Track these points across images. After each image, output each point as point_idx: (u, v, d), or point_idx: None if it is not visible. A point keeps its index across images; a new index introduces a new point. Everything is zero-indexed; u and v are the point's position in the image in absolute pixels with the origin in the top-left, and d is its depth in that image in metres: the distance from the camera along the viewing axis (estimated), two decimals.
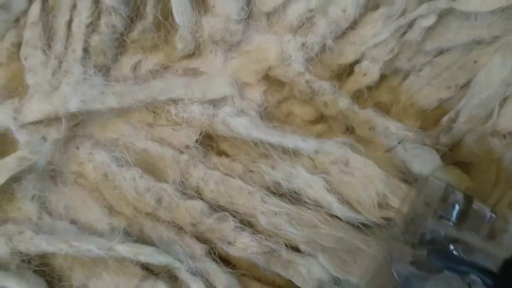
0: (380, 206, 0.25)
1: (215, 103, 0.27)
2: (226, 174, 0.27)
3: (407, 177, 0.26)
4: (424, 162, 0.26)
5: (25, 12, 0.30)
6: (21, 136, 0.26)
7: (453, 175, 0.26)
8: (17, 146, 0.26)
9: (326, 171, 0.26)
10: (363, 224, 0.26)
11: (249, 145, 0.27)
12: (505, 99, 0.26)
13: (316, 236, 0.26)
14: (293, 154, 0.27)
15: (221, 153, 0.28)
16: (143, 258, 0.24)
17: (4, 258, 0.24)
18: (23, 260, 0.24)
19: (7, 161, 0.25)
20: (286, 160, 0.26)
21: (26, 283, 0.24)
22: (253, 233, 0.26)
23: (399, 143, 0.26)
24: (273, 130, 0.27)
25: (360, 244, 0.26)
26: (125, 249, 0.24)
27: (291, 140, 0.26)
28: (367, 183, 0.26)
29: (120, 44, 0.29)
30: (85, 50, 0.28)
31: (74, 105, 0.26)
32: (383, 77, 0.29)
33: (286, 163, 0.26)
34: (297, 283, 0.26)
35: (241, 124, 0.27)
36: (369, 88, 0.29)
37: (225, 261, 0.27)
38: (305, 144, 0.27)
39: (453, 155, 0.27)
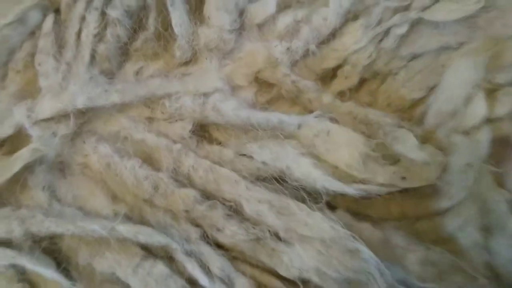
0: (364, 163, 0.28)
1: (206, 95, 0.30)
2: (215, 163, 0.29)
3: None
4: (402, 142, 0.28)
5: (40, 26, 0.33)
6: (34, 132, 0.29)
7: (427, 152, 0.28)
8: (30, 142, 0.29)
9: (312, 144, 0.29)
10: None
11: (240, 129, 0.30)
12: (468, 99, 0.28)
13: (294, 224, 0.28)
14: (281, 135, 0.29)
15: (213, 141, 0.31)
16: (142, 238, 0.27)
17: (17, 239, 0.27)
18: (34, 241, 0.27)
19: (22, 152, 0.28)
20: (275, 141, 0.29)
21: (37, 261, 0.26)
22: (241, 221, 0.29)
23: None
24: (260, 110, 0.30)
25: (333, 234, 0.27)
26: (126, 229, 0.26)
27: (276, 116, 0.29)
28: (349, 146, 0.28)
29: (124, 52, 0.33)
30: (92, 57, 0.31)
31: (81, 102, 0.29)
32: (363, 81, 0.32)
33: (274, 143, 0.29)
34: (280, 271, 0.28)
35: (230, 107, 0.29)
36: (351, 90, 0.32)
37: (218, 245, 0.29)
38: (289, 118, 0.29)
39: None
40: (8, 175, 0.28)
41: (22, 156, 0.28)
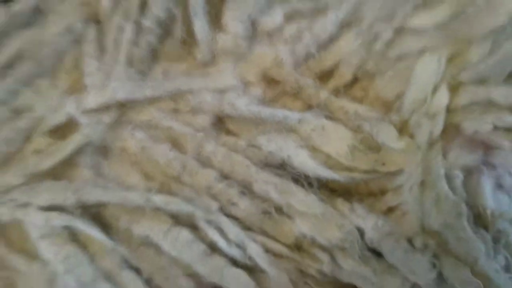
0: (352, 153, 0.34)
1: (223, 92, 0.36)
2: (231, 150, 0.35)
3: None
4: (384, 134, 0.34)
5: (84, 34, 0.38)
6: (82, 120, 0.34)
7: (404, 142, 0.33)
8: (78, 129, 0.35)
9: (309, 137, 0.34)
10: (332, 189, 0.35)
11: (251, 122, 0.35)
12: (435, 87, 0.33)
13: (293, 202, 0.34)
14: (284, 128, 0.35)
15: (229, 132, 0.36)
16: (172, 207, 0.32)
17: (71, 207, 0.32)
18: (84, 209, 0.32)
19: (73, 137, 0.34)
20: (279, 134, 0.35)
21: (87, 225, 0.32)
22: (252, 198, 0.34)
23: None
24: (267, 106, 0.35)
25: (324, 211, 0.33)
26: (159, 199, 0.32)
27: (281, 112, 0.35)
28: (340, 140, 0.34)
29: (154, 56, 0.38)
30: (129, 60, 0.37)
31: (120, 96, 0.35)
32: (356, 79, 0.37)
33: (279, 136, 0.34)
34: (282, 239, 0.34)
35: (243, 103, 0.35)
36: (345, 86, 0.37)
37: (233, 216, 0.35)
38: (291, 114, 0.35)
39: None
40: (62, 156, 0.33)
41: (74, 140, 0.34)
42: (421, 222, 0.31)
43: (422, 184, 0.32)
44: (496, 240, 0.30)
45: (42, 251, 0.31)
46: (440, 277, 0.30)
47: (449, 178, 0.31)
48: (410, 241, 0.32)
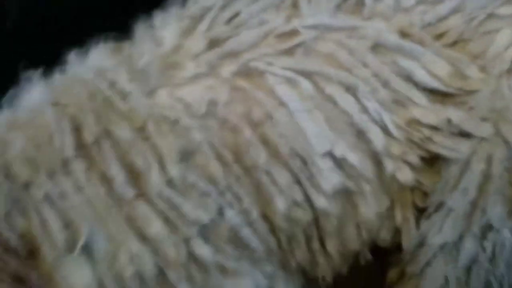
0: (450, 77, 0.59)
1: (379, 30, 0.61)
2: (380, 62, 0.60)
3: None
4: (469, 69, 0.59)
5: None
6: (301, 30, 0.60)
7: (482, 75, 0.59)
8: (297, 35, 0.62)
9: (426, 63, 0.59)
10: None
11: (394, 50, 0.59)
12: (507, 47, 0.59)
13: (412, 97, 0.59)
14: (412, 57, 0.60)
15: (381, 53, 0.59)
16: (347, 80, 0.58)
17: (295, 71, 0.58)
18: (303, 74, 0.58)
19: (296, 38, 0.60)
20: (410, 60, 0.60)
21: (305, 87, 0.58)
22: (388, 90, 0.59)
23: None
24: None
25: (428, 105, 0.59)
26: (342, 75, 0.58)
27: (412, 47, 0.60)
28: (444, 68, 0.59)
29: (339, 8, 0.65)
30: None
31: (322, 22, 0.61)
32: (456, 42, 0.62)
33: (409, 60, 0.60)
34: (400, 117, 0.59)
35: (391, 37, 0.60)
36: (449, 45, 0.62)
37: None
38: (418, 48, 0.60)
39: None
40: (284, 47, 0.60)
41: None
42: (489, 108, 0.56)
43: (493, 92, 0.57)
44: None
45: (278, 94, 0.57)
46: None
47: (510, 88, 0.56)
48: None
